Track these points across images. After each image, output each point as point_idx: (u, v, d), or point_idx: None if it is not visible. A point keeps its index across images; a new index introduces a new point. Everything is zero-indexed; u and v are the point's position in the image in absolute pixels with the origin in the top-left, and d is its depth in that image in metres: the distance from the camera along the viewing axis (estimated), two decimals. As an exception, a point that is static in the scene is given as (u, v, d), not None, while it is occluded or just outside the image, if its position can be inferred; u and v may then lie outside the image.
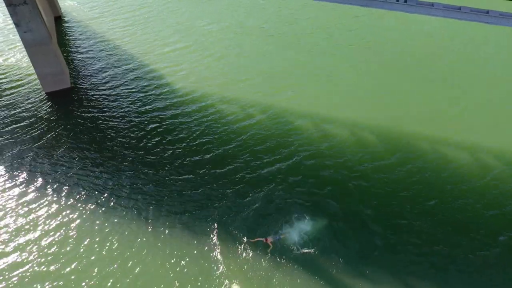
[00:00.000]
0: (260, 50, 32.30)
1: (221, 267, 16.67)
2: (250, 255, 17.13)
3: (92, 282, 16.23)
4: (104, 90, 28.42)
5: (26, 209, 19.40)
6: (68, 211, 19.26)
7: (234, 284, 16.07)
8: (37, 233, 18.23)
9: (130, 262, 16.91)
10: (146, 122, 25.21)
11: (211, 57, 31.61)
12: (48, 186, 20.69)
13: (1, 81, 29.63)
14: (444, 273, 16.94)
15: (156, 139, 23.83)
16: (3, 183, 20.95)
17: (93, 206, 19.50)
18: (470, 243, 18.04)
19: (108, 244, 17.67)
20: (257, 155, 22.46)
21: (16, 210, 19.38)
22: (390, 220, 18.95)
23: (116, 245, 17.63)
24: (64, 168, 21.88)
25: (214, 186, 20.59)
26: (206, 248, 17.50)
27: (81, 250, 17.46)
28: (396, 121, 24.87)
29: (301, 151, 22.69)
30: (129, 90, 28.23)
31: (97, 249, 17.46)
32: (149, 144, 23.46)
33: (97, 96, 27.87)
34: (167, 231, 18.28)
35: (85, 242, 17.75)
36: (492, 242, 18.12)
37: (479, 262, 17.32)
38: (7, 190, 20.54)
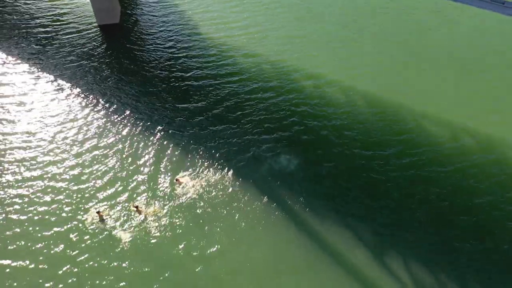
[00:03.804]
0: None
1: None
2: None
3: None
4: (151, 28, 32.60)
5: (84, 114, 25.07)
6: (104, 114, 24.87)
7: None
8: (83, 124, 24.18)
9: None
10: (179, 61, 29.21)
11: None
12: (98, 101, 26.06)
13: (67, 15, 34.61)
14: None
15: (184, 78, 27.62)
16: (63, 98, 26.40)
17: (126, 114, 24.88)
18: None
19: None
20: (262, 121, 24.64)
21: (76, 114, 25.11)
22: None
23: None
24: (106, 83, 27.21)
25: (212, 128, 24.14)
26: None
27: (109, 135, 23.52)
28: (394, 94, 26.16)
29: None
30: (172, 38, 31.85)
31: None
32: (178, 81, 27.53)
33: (142, 32, 32.18)
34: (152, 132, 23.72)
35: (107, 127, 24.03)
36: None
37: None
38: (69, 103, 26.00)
